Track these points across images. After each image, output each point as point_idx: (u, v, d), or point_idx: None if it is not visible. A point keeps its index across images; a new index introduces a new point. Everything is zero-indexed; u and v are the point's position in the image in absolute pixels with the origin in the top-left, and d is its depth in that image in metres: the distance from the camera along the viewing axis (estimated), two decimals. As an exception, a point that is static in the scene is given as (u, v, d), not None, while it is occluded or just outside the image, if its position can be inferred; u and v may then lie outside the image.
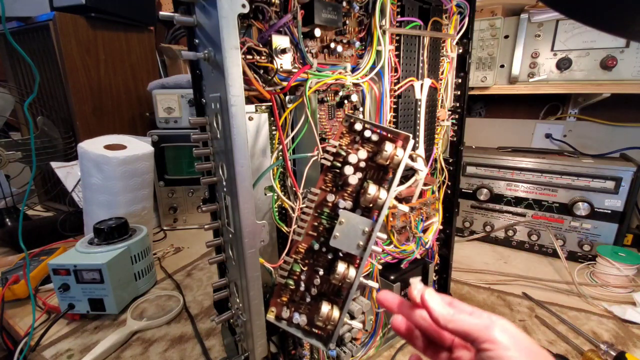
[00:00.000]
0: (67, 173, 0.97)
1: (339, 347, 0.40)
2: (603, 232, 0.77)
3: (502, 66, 0.95)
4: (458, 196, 0.62)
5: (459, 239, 0.93)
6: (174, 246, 0.91)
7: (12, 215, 0.99)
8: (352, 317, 0.39)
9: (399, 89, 0.48)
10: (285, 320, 0.38)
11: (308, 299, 0.37)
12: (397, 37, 0.46)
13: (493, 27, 0.92)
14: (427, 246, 0.58)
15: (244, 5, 0.30)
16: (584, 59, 0.84)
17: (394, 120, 0.49)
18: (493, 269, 0.79)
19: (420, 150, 0.52)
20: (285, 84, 0.36)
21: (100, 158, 0.75)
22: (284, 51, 0.36)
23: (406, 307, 0.31)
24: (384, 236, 0.36)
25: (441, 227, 0.61)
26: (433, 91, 0.54)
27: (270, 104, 0.37)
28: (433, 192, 0.58)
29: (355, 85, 0.43)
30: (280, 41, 0.36)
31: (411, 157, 0.50)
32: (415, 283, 0.30)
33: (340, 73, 0.41)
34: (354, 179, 0.36)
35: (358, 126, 0.36)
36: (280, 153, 0.39)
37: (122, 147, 0.80)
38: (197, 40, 0.35)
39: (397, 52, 0.47)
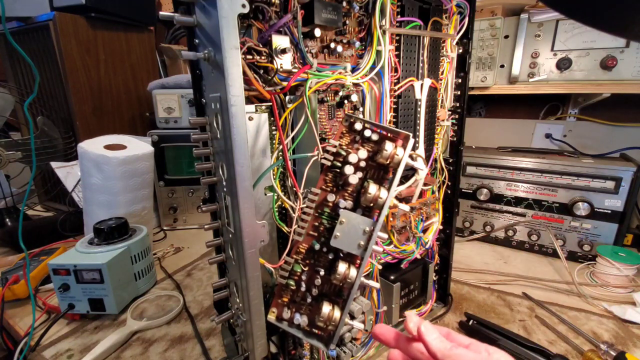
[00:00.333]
0: (67, 173, 0.97)
1: (339, 347, 0.40)
2: (603, 232, 0.77)
3: (502, 66, 0.95)
4: (458, 196, 0.62)
5: (459, 239, 0.93)
6: (174, 246, 0.91)
7: (12, 215, 0.99)
8: (353, 317, 0.39)
9: (399, 89, 0.48)
10: (286, 321, 0.38)
11: (309, 300, 0.37)
12: (397, 37, 0.46)
13: (493, 27, 0.92)
14: (427, 246, 0.58)
15: (244, 5, 0.30)
16: (584, 59, 0.84)
17: (394, 120, 0.49)
18: (493, 269, 0.79)
19: (420, 150, 0.52)
20: (285, 84, 0.36)
21: (100, 158, 0.75)
22: (284, 51, 0.36)
23: (403, 341, 0.31)
24: (385, 236, 0.36)
25: (441, 227, 0.61)
26: (433, 91, 0.54)
27: (270, 104, 0.37)
28: (433, 192, 0.58)
29: (355, 85, 0.43)
30: (280, 41, 0.36)
31: (411, 157, 0.50)
32: (411, 316, 0.31)
33: (340, 73, 0.41)
34: (354, 179, 0.36)
35: (358, 126, 0.36)
36: (280, 153, 0.39)
37: (122, 147, 0.80)
38: (197, 40, 0.35)
39: (397, 52, 0.47)
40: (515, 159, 0.85)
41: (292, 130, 0.39)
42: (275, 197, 0.40)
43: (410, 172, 0.50)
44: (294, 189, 0.40)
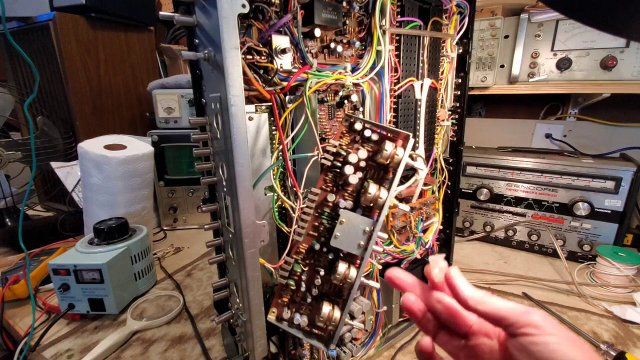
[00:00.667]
0: (67, 173, 0.97)
1: (339, 347, 0.40)
2: (603, 232, 0.77)
3: (502, 66, 0.95)
4: (458, 196, 0.62)
5: (459, 239, 0.93)
6: (174, 246, 0.91)
7: (12, 215, 0.99)
8: (353, 317, 0.39)
9: (399, 89, 0.48)
10: (287, 321, 0.38)
11: (309, 300, 0.37)
12: (397, 37, 0.46)
13: (493, 27, 0.92)
14: (427, 246, 0.58)
15: (244, 5, 0.30)
16: (584, 59, 0.84)
17: (394, 120, 0.49)
18: (493, 269, 0.79)
19: (420, 150, 0.52)
20: (285, 84, 0.36)
21: (100, 158, 0.75)
22: (284, 51, 0.36)
23: (419, 288, 0.29)
24: (385, 236, 0.36)
25: (441, 227, 0.61)
26: (433, 91, 0.54)
27: (270, 104, 0.37)
28: (433, 192, 0.58)
29: (355, 85, 0.43)
30: (280, 41, 0.36)
31: (411, 157, 0.50)
32: (437, 260, 0.27)
33: (340, 73, 0.41)
34: (354, 179, 0.36)
35: (358, 126, 0.36)
36: (281, 153, 0.39)
37: (122, 147, 0.80)
38: (197, 40, 0.35)
39: (397, 52, 0.47)
40: (515, 159, 0.85)
41: (292, 130, 0.39)
42: (275, 197, 0.40)
43: (410, 172, 0.50)
44: (294, 189, 0.40)
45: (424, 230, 0.57)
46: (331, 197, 0.36)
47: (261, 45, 0.35)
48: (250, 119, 0.37)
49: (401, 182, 0.49)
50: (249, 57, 0.34)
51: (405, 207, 0.46)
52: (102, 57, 1.06)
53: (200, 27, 0.33)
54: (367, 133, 0.36)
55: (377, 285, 0.38)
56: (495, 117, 1.15)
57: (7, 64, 1.08)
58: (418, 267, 0.56)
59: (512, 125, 1.11)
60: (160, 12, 0.32)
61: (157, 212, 1.02)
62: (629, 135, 0.95)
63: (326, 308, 0.36)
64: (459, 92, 0.59)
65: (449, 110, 0.59)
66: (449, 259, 0.63)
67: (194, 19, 0.33)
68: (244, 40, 0.33)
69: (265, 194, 0.40)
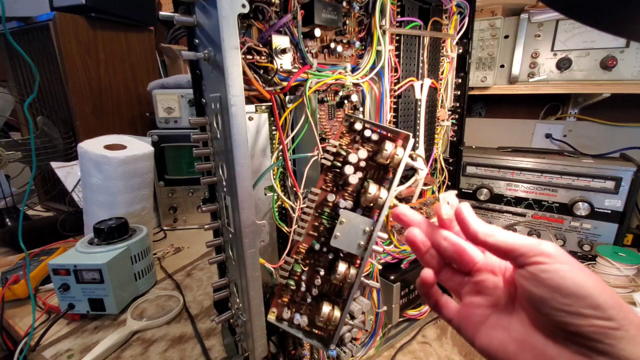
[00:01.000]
0: (67, 173, 0.97)
1: (339, 347, 0.40)
2: (603, 232, 0.77)
3: (502, 66, 0.95)
4: (458, 196, 0.62)
5: (459, 239, 0.93)
6: (174, 246, 0.91)
7: (12, 215, 0.99)
8: (353, 317, 0.39)
9: (399, 89, 0.48)
10: (287, 321, 0.38)
11: (309, 300, 0.37)
12: (397, 37, 0.46)
13: (493, 27, 0.92)
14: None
15: (244, 5, 0.30)
16: (584, 59, 0.84)
17: (394, 120, 0.49)
18: (493, 269, 0.79)
19: (420, 150, 0.52)
20: (285, 84, 0.36)
21: (100, 158, 0.75)
22: (284, 51, 0.36)
23: (425, 225, 0.29)
24: (385, 236, 0.36)
25: (441, 227, 0.61)
26: (433, 91, 0.54)
27: (270, 104, 0.37)
28: (433, 192, 0.58)
29: (355, 85, 0.43)
30: (280, 41, 0.36)
31: (411, 157, 0.50)
32: (447, 197, 0.27)
33: (340, 73, 0.41)
34: (354, 179, 0.36)
35: (358, 126, 0.36)
36: (281, 153, 0.39)
37: (122, 147, 0.80)
38: (197, 40, 0.35)
39: (397, 52, 0.47)
40: (515, 159, 0.85)
41: (292, 130, 0.39)
42: (275, 197, 0.40)
43: (410, 172, 0.50)
44: (294, 189, 0.40)
45: (424, 230, 0.57)
46: (331, 197, 0.36)
47: (261, 45, 0.35)
48: (250, 119, 0.37)
49: (401, 182, 0.49)
50: (249, 57, 0.34)
51: (405, 206, 0.46)
52: (102, 57, 1.06)
53: (200, 27, 0.33)
54: (367, 133, 0.36)
55: (377, 285, 0.38)
56: (495, 117, 1.15)
57: (7, 64, 1.08)
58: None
59: (512, 125, 1.11)
60: (160, 12, 0.32)
61: (157, 212, 1.02)
62: (629, 135, 0.95)
63: (326, 308, 0.36)
64: (459, 92, 0.59)
65: (449, 110, 0.59)
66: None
67: (194, 19, 0.33)
68: (244, 40, 0.33)
69: (265, 194, 0.40)
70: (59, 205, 1.14)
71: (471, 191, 0.91)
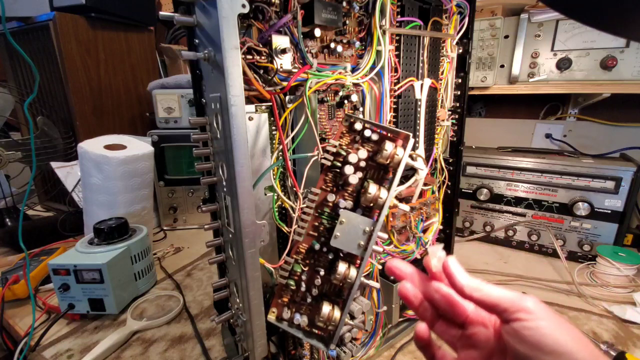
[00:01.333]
0: (67, 173, 0.97)
1: (339, 347, 0.40)
2: (603, 232, 0.77)
3: (502, 66, 0.95)
4: (458, 196, 0.62)
5: (459, 239, 0.93)
6: (174, 246, 0.91)
7: (12, 215, 0.99)
8: (352, 317, 0.39)
9: (399, 89, 0.48)
10: (287, 321, 0.38)
11: (309, 300, 0.37)
12: (397, 37, 0.46)
13: (493, 27, 0.92)
14: (427, 246, 0.58)
15: (244, 5, 0.30)
16: (584, 59, 0.84)
17: (394, 120, 0.49)
18: (493, 269, 0.79)
19: (420, 150, 0.52)
20: (285, 84, 0.36)
21: (100, 158, 0.75)
22: (284, 51, 0.36)
23: (417, 277, 0.29)
24: (385, 236, 0.36)
25: (441, 227, 0.61)
26: (433, 91, 0.54)
27: (270, 104, 0.37)
28: (433, 192, 0.58)
29: (355, 85, 0.43)
30: (280, 41, 0.36)
31: (411, 157, 0.50)
32: (436, 251, 0.28)
33: (340, 73, 0.41)
34: (354, 179, 0.36)
35: (358, 126, 0.36)
36: (281, 153, 0.39)
37: (122, 147, 0.80)
38: (197, 40, 0.35)
39: (397, 52, 0.47)
40: (515, 159, 0.85)
41: (292, 130, 0.39)
42: (275, 197, 0.40)
43: (410, 172, 0.50)
44: (294, 189, 0.40)
45: (424, 230, 0.57)
46: (331, 197, 0.36)
47: (261, 45, 0.35)
48: (250, 119, 0.37)
49: (401, 182, 0.49)
50: (249, 57, 0.34)
51: (405, 207, 0.46)
52: (102, 57, 1.06)
53: (200, 27, 0.33)
54: (367, 133, 0.36)
55: (377, 285, 0.38)
56: (495, 117, 1.15)
57: (7, 64, 1.08)
58: (418, 267, 0.56)
59: (512, 125, 1.11)
60: (160, 12, 0.32)
61: (157, 212, 1.02)
62: (629, 135, 0.95)
63: (326, 308, 0.36)
64: (459, 92, 0.59)
65: (449, 110, 0.59)
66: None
67: (194, 19, 0.33)
68: (244, 40, 0.33)
69: (265, 194, 0.40)
70: (59, 205, 1.14)
71: (471, 191, 0.91)
